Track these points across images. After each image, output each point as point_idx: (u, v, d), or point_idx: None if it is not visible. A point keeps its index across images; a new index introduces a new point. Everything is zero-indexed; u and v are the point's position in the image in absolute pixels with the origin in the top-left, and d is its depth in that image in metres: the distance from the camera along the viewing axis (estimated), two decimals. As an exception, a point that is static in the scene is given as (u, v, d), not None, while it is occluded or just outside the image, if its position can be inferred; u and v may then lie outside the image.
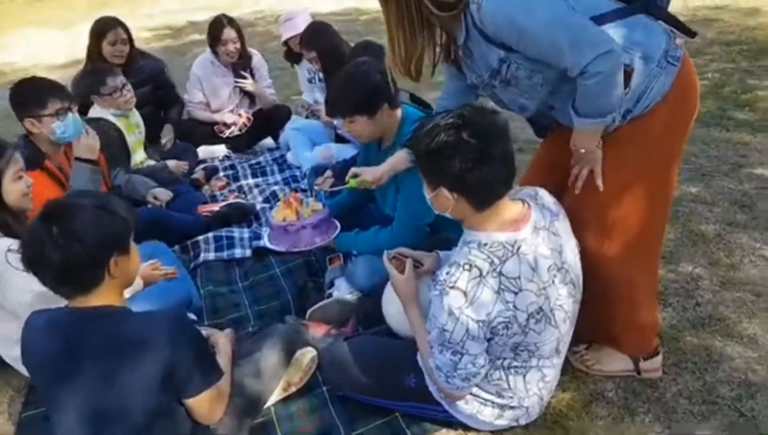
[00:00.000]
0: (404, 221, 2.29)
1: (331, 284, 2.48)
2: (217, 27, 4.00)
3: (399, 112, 2.35)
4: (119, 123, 3.36)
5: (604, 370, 1.99)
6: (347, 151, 3.46)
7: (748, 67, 4.37)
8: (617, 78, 1.58)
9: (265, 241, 2.42)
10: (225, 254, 2.93)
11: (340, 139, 3.71)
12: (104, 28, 3.67)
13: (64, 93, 2.54)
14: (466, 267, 1.51)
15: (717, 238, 2.57)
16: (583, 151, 1.73)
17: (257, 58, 4.22)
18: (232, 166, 4.06)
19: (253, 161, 4.12)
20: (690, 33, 1.76)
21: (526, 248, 1.53)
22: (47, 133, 2.50)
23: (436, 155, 1.48)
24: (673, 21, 1.72)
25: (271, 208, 3.31)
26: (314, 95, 3.91)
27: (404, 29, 1.68)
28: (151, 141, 3.73)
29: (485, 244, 1.53)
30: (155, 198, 3.09)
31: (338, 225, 2.41)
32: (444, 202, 1.56)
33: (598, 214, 1.79)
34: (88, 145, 2.56)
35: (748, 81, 4.09)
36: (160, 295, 2.17)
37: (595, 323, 1.90)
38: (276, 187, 3.60)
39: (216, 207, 3.23)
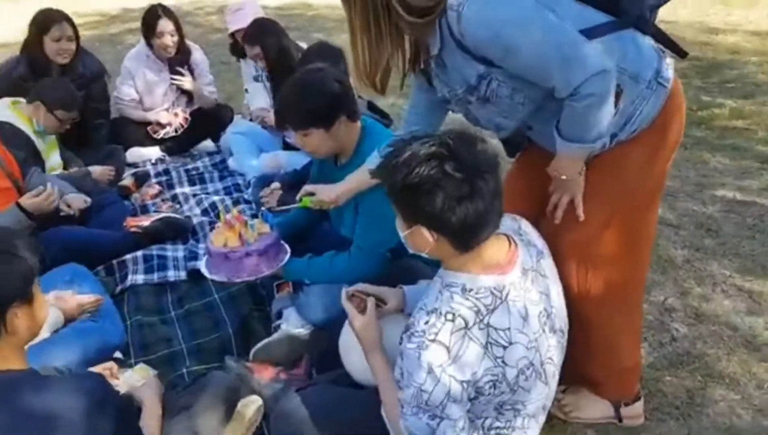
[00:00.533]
0: (364, 247, 2.04)
1: (279, 315, 2.21)
2: (151, 17, 3.65)
3: (359, 124, 2.11)
4: (25, 126, 2.91)
5: (583, 417, 1.83)
6: (297, 160, 3.18)
7: (701, 83, 4.39)
8: (609, 100, 1.42)
9: (202, 268, 2.12)
10: (156, 277, 2.60)
11: (288, 146, 3.42)
12: (48, 21, 3.23)
13: None
14: (449, 317, 1.29)
15: (686, 265, 2.48)
16: (564, 177, 1.56)
17: (197, 54, 3.89)
18: (166, 172, 3.71)
19: (190, 166, 3.78)
20: (681, 52, 1.63)
21: (515, 294, 1.33)
22: None
23: (415, 190, 1.26)
24: (662, 38, 1.58)
25: (210, 222, 3.02)
26: (262, 95, 3.57)
27: (369, 33, 1.47)
28: (73, 149, 3.29)
29: (470, 290, 1.32)
30: (68, 206, 2.68)
31: (288, 250, 2.14)
32: (422, 242, 1.33)
33: (578, 248, 1.62)
34: (39, 205, 2.31)
35: (702, 97, 4.09)
36: (82, 337, 1.89)
37: (574, 365, 1.73)
38: (216, 198, 3.27)
39: (147, 221, 2.89)
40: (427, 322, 1.30)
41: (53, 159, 3.11)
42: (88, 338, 1.92)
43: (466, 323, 1.29)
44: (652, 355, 2.03)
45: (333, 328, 1.88)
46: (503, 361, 1.31)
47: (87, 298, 2.02)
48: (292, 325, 2.13)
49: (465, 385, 1.28)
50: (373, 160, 1.90)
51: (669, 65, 1.57)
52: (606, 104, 1.42)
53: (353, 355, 1.66)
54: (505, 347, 1.30)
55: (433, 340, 1.27)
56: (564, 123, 1.48)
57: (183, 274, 2.62)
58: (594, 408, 1.82)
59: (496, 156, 1.30)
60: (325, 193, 2.03)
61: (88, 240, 2.61)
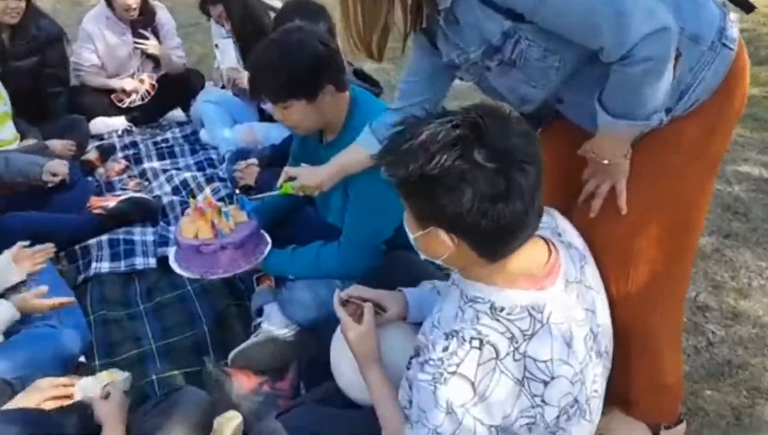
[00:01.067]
0: (355, 238, 1.74)
1: (260, 312, 1.92)
2: (110, -25, 3.30)
3: (347, 95, 1.79)
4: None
5: (616, 442, 1.58)
6: (275, 134, 2.85)
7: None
8: (669, 66, 1.14)
9: (171, 261, 1.82)
10: (122, 264, 2.33)
11: (265, 116, 3.08)
12: None
13: None
14: (475, 344, 1.02)
15: (716, 254, 2.23)
16: (606, 162, 1.28)
17: (162, 14, 3.57)
18: (134, 144, 3.40)
19: (159, 138, 3.47)
20: (747, 6, 1.33)
21: (558, 316, 1.06)
22: None
23: (435, 185, 0.97)
24: None
25: (181, 201, 2.72)
26: (233, 52, 3.21)
27: None
28: (30, 119, 2.99)
29: (501, 309, 1.04)
30: (53, 175, 2.42)
31: (269, 241, 1.84)
32: (438, 246, 1.05)
33: (617, 242, 1.34)
34: None
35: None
36: (36, 346, 1.67)
37: (608, 383, 1.48)
38: (187, 175, 2.97)
39: (113, 201, 2.59)
40: (445, 349, 1.03)
41: (6, 131, 2.81)
42: (42, 347, 1.69)
43: (497, 353, 1.02)
44: (687, 363, 1.78)
45: (322, 330, 1.62)
46: (543, 400, 1.04)
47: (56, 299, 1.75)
48: (275, 324, 1.86)
49: (494, 430, 1.02)
50: (364, 138, 1.61)
51: (734, 23, 1.28)
52: (665, 71, 1.13)
53: (347, 369, 1.38)
54: (545, 383, 1.04)
55: (453, 372, 1.01)
56: (610, 94, 1.19)
57: (152, 262, 2.35)
58: (628, 431, 1.56)
59: (537, 139, 1.01)
60: (309, 177, 1.73)
61: (47, 225, 2.31)
